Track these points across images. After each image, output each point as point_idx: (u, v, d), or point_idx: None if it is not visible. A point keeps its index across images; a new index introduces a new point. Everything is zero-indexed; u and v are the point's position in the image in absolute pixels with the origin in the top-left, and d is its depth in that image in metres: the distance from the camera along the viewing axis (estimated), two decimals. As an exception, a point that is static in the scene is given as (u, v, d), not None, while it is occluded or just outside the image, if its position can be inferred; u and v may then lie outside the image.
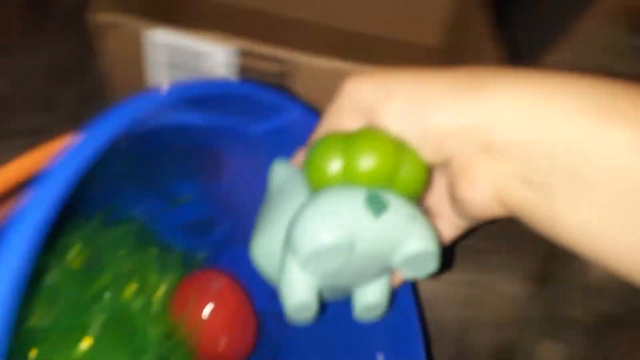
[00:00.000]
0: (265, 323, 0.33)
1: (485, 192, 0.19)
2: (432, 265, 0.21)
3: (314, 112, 0.25)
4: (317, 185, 0.20)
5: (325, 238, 0.19)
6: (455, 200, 0.20)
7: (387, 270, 0.22)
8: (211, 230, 0.32)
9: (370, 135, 0.20)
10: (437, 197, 0.23)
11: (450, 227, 0.23)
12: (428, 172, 0.21)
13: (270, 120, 0.25)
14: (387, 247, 0.20)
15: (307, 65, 0.31)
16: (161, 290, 0.28)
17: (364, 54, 0.34)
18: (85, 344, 0.24)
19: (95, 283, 0.25)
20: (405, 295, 0.28)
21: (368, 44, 0.48)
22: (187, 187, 0.29)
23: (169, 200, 0.30)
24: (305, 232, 0.19)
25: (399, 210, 0.20)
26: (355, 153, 0.19)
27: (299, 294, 0.20)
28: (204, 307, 0.29)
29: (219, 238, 0.32)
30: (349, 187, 0.20)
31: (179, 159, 0.26)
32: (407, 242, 0.20)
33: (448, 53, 0.47)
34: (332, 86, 0.22)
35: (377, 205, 0.19)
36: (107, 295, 0.25)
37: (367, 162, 0.19)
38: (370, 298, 0.22)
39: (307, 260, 0.19)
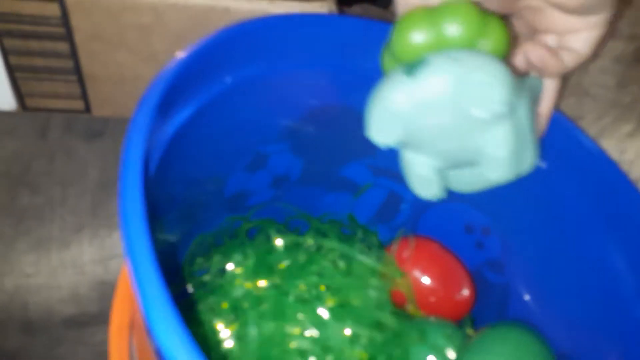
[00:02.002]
0: (484, 277, 0.31)
1: None
2: (496, 94, 0.20)
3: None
4: (403, 58, 0.21)
5: (373, 108, 0.22)
6: None
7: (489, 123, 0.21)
8: (398, 208, 0.33)
9: (455, 4, 0.20)
10: None
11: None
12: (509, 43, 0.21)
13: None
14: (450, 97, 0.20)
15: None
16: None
17: None
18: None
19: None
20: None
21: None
22: (359, 169, 0.31)
23: (352, 190, 0.32)
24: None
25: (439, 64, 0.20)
26: (440, 22, 0.20)
27: (417, 169, 0.23)
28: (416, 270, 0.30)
29: (408, 212, 0.33)
30: None
31: (337, 136, 0.28)
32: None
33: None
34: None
35: (411, 66, 0.20)
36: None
37: (452, 29, 0.20)
38: (489, 151, 0.21)
39: (375, 130, 0.22)
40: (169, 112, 0.20)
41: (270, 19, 0.22)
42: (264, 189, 0.30)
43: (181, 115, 0.21)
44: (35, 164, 0.34)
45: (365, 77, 0.25)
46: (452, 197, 0.30)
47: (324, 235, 0.30)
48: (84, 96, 0.33)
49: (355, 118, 0.28)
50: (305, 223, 0.32)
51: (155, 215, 0.23)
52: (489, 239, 0.29)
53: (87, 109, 0.34)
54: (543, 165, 0.25)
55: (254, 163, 0.28)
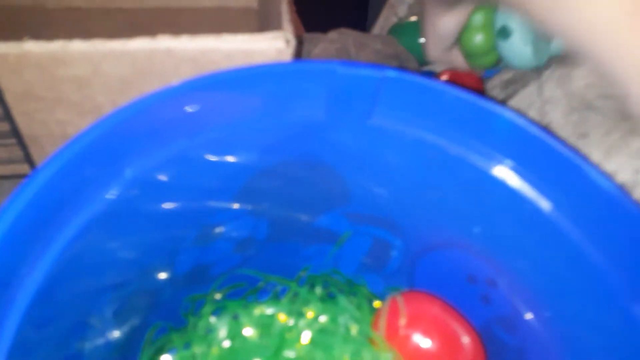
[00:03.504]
0: (495, 336, 0.27)
1: None
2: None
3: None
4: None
5: None
6: None
7: None
8: (387, 255, 0.29)
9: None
10: None
11: None
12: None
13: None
14: None
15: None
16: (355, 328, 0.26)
17: (174, 28, 0.28)
18: None
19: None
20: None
21: (177, 17, 0.46)
22: (334, 218, 0.27)
23: (331, 241, 0.28)
24: None
25: None
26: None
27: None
28: (414, 333, 0.26)
29: (399, 260, 0.29)
30: None
31: (299, 190, 0.25)
32: None
33: (264, 13, 0.43)
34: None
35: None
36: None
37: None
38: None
39: None
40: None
41: (185, 85, 0.19)
42: (227, 256, 0.26)
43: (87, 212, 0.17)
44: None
45: (309, 124, 0.22)
46: (449, 244, 0.26)
47: (304, 300, 0.26)
48: (28, 159, 0.30)
49: (315, 169, 0.24)
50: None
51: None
52: (495, 293, 0.25)
53: (34, 172, 0.31)
54: (547, 206, 0.21)
55: (203, 236, 0.24)
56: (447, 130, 0.22)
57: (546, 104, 0.29)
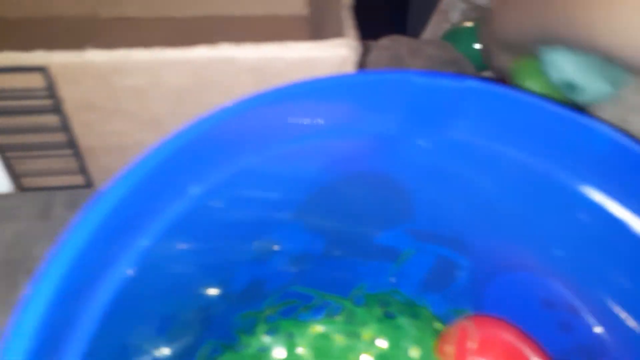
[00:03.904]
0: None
1: None
2: None
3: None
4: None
5: None
6: None
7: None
8: (452, 276, 0.27)
9: None
10: None
11: None
12: None
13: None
14: None
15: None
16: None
17: (224, 36, 0.27)
18: None
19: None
20: None
21: (228, 26, 0.45)
22: (397, 235, 0.26)
23: (391, 258, 0.27)
24: None
25: None
26: None
27: None
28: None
29: (465, 281, 0.27)
30: None
31: (361, 205, 0.24)
32: None
33: (317, 21, 0.42)
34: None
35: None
36: None
37: None
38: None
39: None
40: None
41: (256, 98, 0.18)
42: (282, 272, 0.25)
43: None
44: (38, 249, 0.31)
45: (380, 137, 0.21)
46: (524, 266, 0.25)
47: (361, 321, 0.25)
48: (83, 170, 0.30)
49: (382, 183, 0.22)
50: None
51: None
52: (576, 320, 0.23)
53: (89, 183, 0.31)
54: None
55: (262, 251, 0.23)
56: (532, 144, 0.20)
57: (630, 112, 0.26)
